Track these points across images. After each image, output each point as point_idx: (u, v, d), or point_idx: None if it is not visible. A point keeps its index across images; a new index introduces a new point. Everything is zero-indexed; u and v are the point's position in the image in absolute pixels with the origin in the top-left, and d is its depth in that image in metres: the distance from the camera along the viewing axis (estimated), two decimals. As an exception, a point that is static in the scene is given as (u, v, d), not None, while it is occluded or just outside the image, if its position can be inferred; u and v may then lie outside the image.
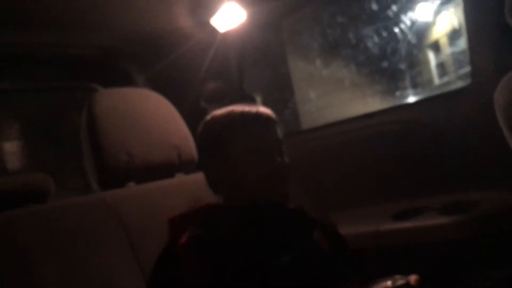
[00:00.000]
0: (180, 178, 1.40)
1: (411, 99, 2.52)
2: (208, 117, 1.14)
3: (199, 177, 1.46)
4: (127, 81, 2.00)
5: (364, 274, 1.15)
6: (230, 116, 1.09)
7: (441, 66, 2.80)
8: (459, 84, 2.50)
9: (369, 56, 2.59)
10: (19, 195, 1.00)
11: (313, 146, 1.90)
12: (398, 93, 2.60)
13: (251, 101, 2.04)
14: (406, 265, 1.06)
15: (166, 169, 1.33)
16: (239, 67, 2.01)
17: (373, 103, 2.68)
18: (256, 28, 1.96)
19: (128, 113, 1.30)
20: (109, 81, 1.92)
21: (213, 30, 1.86)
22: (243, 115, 1.08)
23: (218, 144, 1.08)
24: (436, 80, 2.78)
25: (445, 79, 2.72)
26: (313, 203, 1.21)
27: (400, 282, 0.93)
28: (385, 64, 2.57)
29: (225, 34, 1.89)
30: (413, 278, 0.96)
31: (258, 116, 1.08)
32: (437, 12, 2.45)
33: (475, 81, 1.49)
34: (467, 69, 2.60)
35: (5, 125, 2.73)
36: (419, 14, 2.46)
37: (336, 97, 2.76)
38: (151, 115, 1.36)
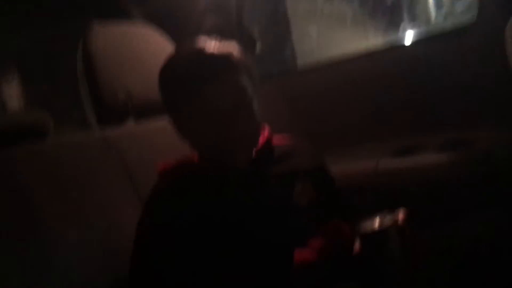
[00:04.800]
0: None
1: (410, 35, 2.45)
2: (164, 63, 1.01)
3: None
4: (123, 14, 1.94)
5: (353, 215, 1.14)
6: (176, 67, 0.97)
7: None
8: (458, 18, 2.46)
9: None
10: (17, 132, 0.99)
11: (312, 85, 1.88)
12: (399, 29, 2.54)
13: (251, 37, 2.00)
14: (403, 203, 1.08)
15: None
16: (238, 2, 1.95)
17: (375, 40, 2.62)
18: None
19: (125, 48, 1.27)
20: (105, 14, 1.87)
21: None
22: (188, 67, 0.94)
23: (170, 97, 0.99)
24: (433, 13, 2.63)
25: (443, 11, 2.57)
26: (306, 140, 1.19)
27: (388, 222, 0.92)
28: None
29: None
30: (400, 216, 0.94)
31: (204, 66, 0.92)
32: None
33: (479, 19, 1.45)
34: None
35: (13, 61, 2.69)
36: None
37: (336, 34, 2.70)
38: (148, 50, 1.33)
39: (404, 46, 1.82)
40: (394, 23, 2.47)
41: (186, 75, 0.93)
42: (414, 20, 2.55)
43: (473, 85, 1.50)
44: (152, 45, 1.35)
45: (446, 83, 1.55)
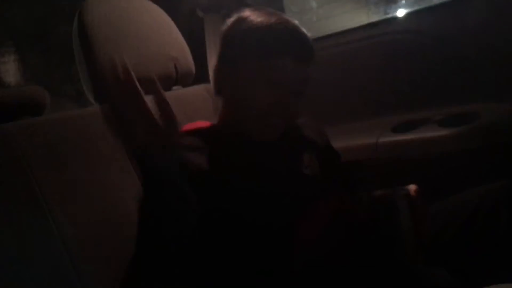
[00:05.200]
0: (177, 91, 1.38)
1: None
2: (240, 16, 1.01)
3: (196, 90, 1.44)
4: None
5: (357, 188, 1.16)
6: (264, 31, 0.96)
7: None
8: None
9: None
10: (14, 108, 0.98)
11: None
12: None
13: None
14: (405, 177, 1.08)
15: (163, 82, 1.30)
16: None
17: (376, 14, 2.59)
18: None
19: (122, 23, 1.24)
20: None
21: None
22: (278, 37, 0.95)
23: (237, 55, 0.99)
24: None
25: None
26: (311, 117, 1.19)
27: (401, 192, 0.94)
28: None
29: None
30: (412, 188, 0.98)
31: (294, 43, 0.96)
32: None
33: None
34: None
35: (4, 35, 2.66)
36: None
37: (336, 7, 2.67)
38: (146, 26, 1.30)
39: (403, 17, 1.79)
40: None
41: (283, 43, 0.95)
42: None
43: (474, 57, 1.48)
44: (149, 19, 1.33)
45: (448, 56, 1.54)
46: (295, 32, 0.98)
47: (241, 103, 0.99)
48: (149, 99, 1.19)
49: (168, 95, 1.32)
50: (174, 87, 1.38)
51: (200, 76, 1.48)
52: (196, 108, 1.36)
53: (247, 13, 1.01)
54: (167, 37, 1.35)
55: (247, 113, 0.98)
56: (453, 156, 1.39)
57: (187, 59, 1.38)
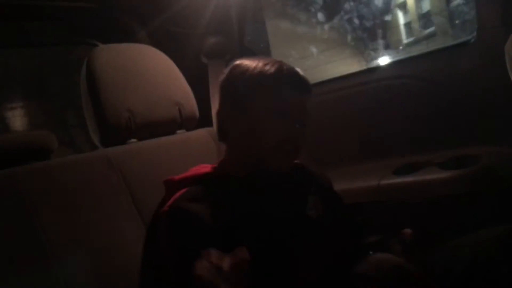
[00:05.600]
0: (181, 135, 1.40)
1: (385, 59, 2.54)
2: (236, 64, 1.07)
3: (200, 134, 1.47)
4: (127, 36, 1.97)
5: (360, 233, 1.17)
6: (261, 71, 1.02)
7: (408, 25, 2.93)
8: (423, 44, 2.71)
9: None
10: (22, 152, 1.00)
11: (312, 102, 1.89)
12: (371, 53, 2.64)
13: (254, 55, 2.01)
14: (406, 220, 1.08)
15: (167, 126, 1.33)
16: (239, 22, 1.97)
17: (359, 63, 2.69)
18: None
19: (128, 69, 1.28)
20: (108, 36, 1.89)
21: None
22: (275, 73, 1.01)
23: (242, 96, 1.03)
24: (404, 39, 2.90)
25: (411, 39, 2.88)
26: (313, 160, 1.21)
27: (396, 238, 0.94)
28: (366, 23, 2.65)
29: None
30: (407, 233, 0.98)
31: (291, 77, 1.02)
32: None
33: (480, 35, 1.47)
34: (431, 29, 2.70)
35: (5, 84, 2.74)
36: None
37: (336, 54, 2.74)
38: (151, 72, 1.35)
39: (404, 62, 1.83)
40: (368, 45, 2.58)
41: (281, 78, 1.01)
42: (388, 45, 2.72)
43: (472, 102, 1.51)
44: (155, 66, 1.37)
45: (447, 99, 1.56)
46: (290, 68, 1.04)
47: (255, 141, 1.02)
48: (148, 143, 1.19)
49: (172, 138, 1.35)
50: (178, 131, 1.40)
51: (204, 120, 1.51)
52: (200, 151, 1.39)
53: (243, 60, 1.07)
54: (171, 83, 1.39)
55: (262, 148, 1.01)
56: (454, 199, 1.39)
57: (191, 104, 1.41)
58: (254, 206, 0.98)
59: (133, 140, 1.28)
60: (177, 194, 0.96)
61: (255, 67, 1.03)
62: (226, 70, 1.08)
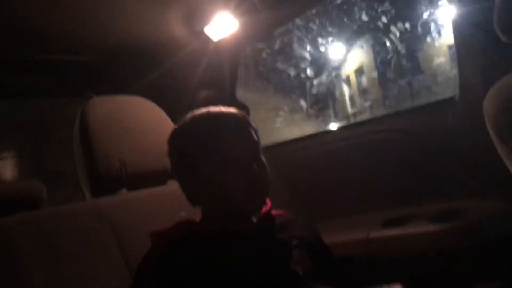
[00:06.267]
0: (172, 185, 1.40)
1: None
2: (174, 128, 1.07)
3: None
4: (121, 89, 2.01)
5: (349, 285, 1.15)
6: (196, 125, 1.02)
7: (351, 98, 3.31)
8: (365, 114, 3.15)
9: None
10: (12, 202, 1.01)
11: (298, 156, 1.91)
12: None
13: (244, 107, 2.06)
14: (395, 272, 1.07)
15: (158, 177, 1.34)
16: (231, 76, 2.03)
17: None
18: (248, 38, 1.98)
19: (121, 120, 1.31)
20: (102, 89, 1.93)
21: (207, 39, 1.87)
22: (208, 123, 1.00)
23: (188, 158, 1.02)
24: (349, 110, 3.26)
25: (354, 109, 3.23)
26: (300, 213, 1.21)
27: None
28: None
29: (218, 43, 1.91)
30: None
31: (226, 121, 1.01)
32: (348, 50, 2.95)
33: (463, 92, 1.52)
34: (368, 103, 3.17)
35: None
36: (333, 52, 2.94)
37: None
38: (144, 123, 1.37)
39: (387, 118, 1.87)
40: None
41: (212, 129, 0.99)
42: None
43: (457, 156, 1.53)
44: (147, 117, 1.40)
45: (432, 155, 1.59)
46: (225, 113, 1.03)
47: (219, 197, 1.00)
48: (138, 194, 1.20)
49: (163, 189, 1.35)
50: (169, 181, 1.41)
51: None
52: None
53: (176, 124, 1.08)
54: (163, 134, 1.40)
55: (229, 200, 0.99)
56: (443, 253, 1.39)
57: (182, 155, 1.42)
58: (235, 265, 0.96)
59: (124, 190, 1.28)
60: (161, 249, 0.96)
61: (190, 125, 1.03)
62: (168, 138, 1.08)
